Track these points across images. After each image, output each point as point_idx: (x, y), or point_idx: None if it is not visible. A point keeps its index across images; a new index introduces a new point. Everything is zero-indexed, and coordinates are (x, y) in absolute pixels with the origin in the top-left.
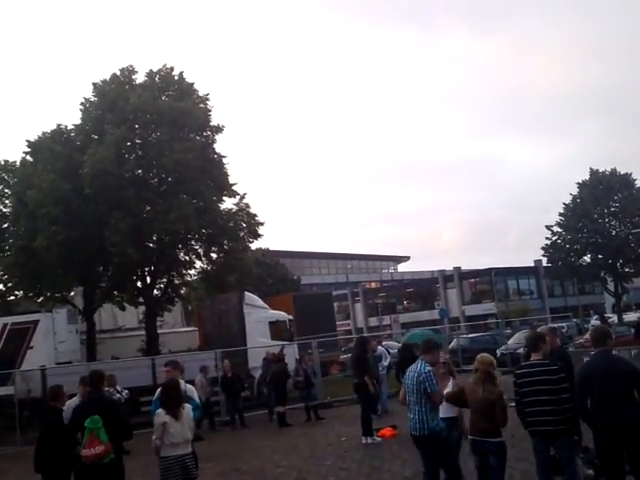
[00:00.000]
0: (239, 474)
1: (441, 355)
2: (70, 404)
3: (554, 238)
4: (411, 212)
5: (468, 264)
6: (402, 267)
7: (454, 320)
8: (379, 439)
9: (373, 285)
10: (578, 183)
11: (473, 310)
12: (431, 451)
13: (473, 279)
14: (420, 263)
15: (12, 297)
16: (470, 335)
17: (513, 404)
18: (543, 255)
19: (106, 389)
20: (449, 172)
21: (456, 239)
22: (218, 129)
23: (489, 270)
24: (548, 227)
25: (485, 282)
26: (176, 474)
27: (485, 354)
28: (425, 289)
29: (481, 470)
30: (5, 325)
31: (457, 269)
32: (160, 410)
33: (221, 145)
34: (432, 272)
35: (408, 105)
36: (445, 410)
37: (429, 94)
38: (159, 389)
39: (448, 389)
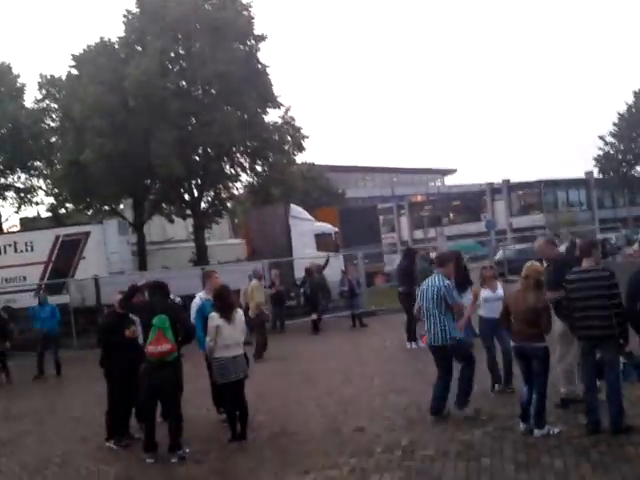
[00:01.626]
0: (288, 375)
1: (486, 261)
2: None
3: (607, 148)
4: (460, 123)
5: (517, 177)
6: (449, 180)
7: (501, 232)
8: (423, 345)
9: (419, 198)
10: (634, 91)
11: (521, 222)
12: (456, 357)
13: (521, 191)
14: (468, 176)
15: (63, 210)
16: (517, 246)
17: None
18: (595, 166)
19: None
20: (498, 78)
21: (505, 151)
22: (261, 38)
23: (538, 182)
24: (601, 137)
25: (534, 194)
26: (228, 373)
27: (535, 262)
28: (472, 202)
29: (526, 374)
30: (57, 237)
31: (506, 181)
32: (214, 314)
33: (265, 55)
34: (480, 185)
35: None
36: (492, 311)
37: None
38: (199, 295)
39: (499, 289)
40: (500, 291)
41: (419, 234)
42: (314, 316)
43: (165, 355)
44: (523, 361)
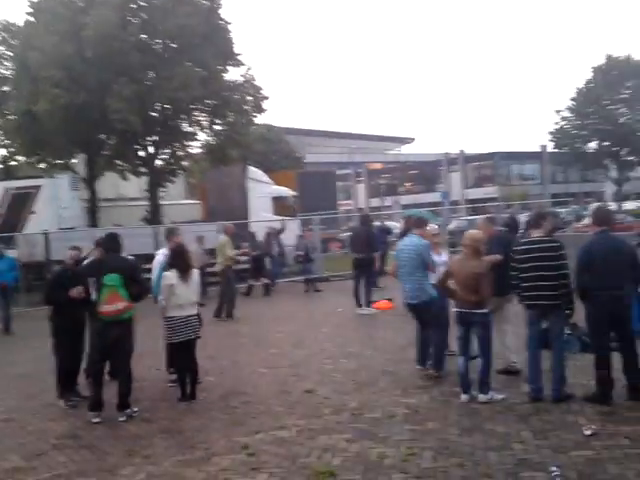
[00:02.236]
0: (240, 337)
1: (434, 227)
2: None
3: (562, 123)
4: (420, 92)
5: (475, 148)
6: (406, 149)
7: (455, 203)
8: (374, 310)
9: (376, 166)
10: (593, 68)
11: (475, 194)
12: (429, 314)
13: (477, 162)
14: (425, 145)
15: (14, 163)
16: (469, 217)
17: None
18: (550, 140)
19: None
20: (460, 49)
21: (463, 122)
22: None
23: (493, 154)
24: (558, 111)
25: (489, 166)
26: (180, 333)
27: (474, 230)
28: (428, 172)
29: (463, 341)
30: (7, 190)
31: (461, 152)
32: (168, 272)
33: (227, 11)
34: (436, 155)
35: None
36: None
37: None
38: (158, 254)
39: (444, 257)
40: (444, 257)
41: (376, 202)
42: (251, 281)
43: (121, 313)
44: (463, 327)
